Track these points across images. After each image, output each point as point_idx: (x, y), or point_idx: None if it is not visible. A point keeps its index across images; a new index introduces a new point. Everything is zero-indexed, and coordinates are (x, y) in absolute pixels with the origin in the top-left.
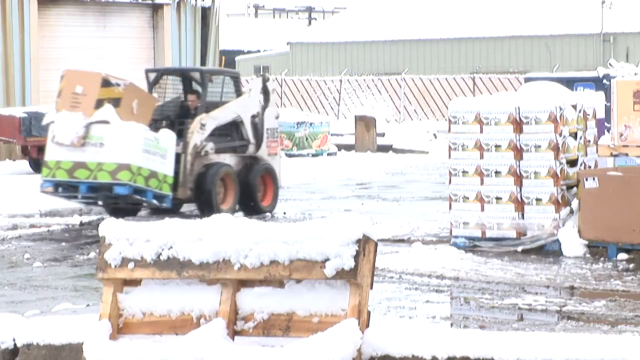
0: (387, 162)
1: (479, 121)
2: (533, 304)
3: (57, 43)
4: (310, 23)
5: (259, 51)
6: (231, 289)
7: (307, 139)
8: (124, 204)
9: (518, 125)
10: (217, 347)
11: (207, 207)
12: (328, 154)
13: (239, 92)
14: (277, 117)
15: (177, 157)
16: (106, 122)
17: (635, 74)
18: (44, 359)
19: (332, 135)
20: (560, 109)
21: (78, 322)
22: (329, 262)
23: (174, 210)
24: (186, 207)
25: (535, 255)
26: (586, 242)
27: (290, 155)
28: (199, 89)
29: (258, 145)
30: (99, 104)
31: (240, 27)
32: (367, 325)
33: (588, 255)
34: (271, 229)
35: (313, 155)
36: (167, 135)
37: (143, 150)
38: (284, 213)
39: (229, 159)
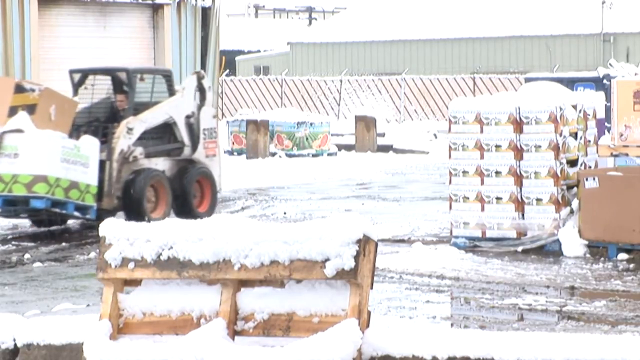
0: (388, 162)
1: (479, 121)
2: (533, 304)
3: (57, 43)
4: (310, 23)
5: (259, 51)
6: (231, 289)
7: (307, 139)
8: (46, 216)
9: (518, 125)
10: (217, 347)
11: (136, 217)
12: (328, 154)
13: (171, 92)
14: (214, 117)
15: (102, 164)
16: (20, 130)
17: (636, 74)
18: (44, 359)
19: (332, 135)
20: (561, 109)
21: (78, 322)
22: (329, 262)
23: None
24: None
25: (535, 255)
26: (586, 242)
27: (290, 155)
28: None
29: (194, 148)
30: (13, 111)
31: (240, 27)
32: (368, 325)
33: (588, 255)
34: (271, 229)
35: (313, 156)
36: (89, 142)
37: (61, 160)
38: (284, 213)
39: (161, 164)
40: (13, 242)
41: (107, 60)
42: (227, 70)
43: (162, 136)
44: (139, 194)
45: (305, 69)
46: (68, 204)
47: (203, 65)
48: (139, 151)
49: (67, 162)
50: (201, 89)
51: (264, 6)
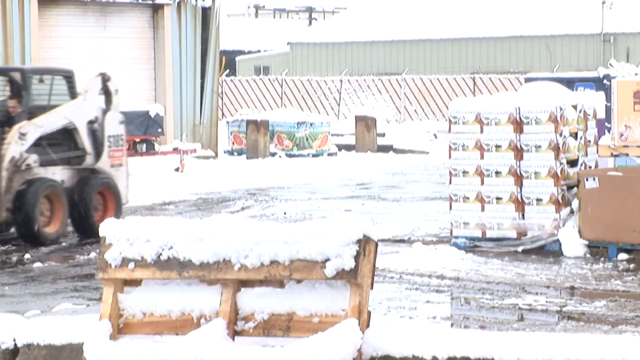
0: (388, 162)
1: (479, 121)
2: (533, 304)
3: (57, 43)
4: (310, 23)
5: (259, 51)
6: (231, 289)
7: (307, 139)
8: None
9: (518, 125)
10: (217, 347)
11: (27, 231)
12: (328, 154)
13: (73, 95)
14: (121, 122)
15: None
16: None
17: (636, 74)
18: (45, 359)
19: (332, 135)
20: (561, 109)
21: (78, 322)
22: (330, 262)
23: None
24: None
25: (535, 255)
26: (586, 242)
27: (290, 156)
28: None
29: (97, 156)
30: None
31: (240, 27)
32: (368, 326)
33: (588, 256)
34: (271, 229)
35: (313, 156)
36: None
37: None
38: (284, 213)
39: (59, 173)
40: (13, 242)
41: (107, 61)
42: (227, 70)
43: (61, 143)
44: (30, 206)
45: (305, 69)
46: None
47: (203, 65)
48: (33, 159)
49: None
50: (107, 92)
51: (264, 6)
